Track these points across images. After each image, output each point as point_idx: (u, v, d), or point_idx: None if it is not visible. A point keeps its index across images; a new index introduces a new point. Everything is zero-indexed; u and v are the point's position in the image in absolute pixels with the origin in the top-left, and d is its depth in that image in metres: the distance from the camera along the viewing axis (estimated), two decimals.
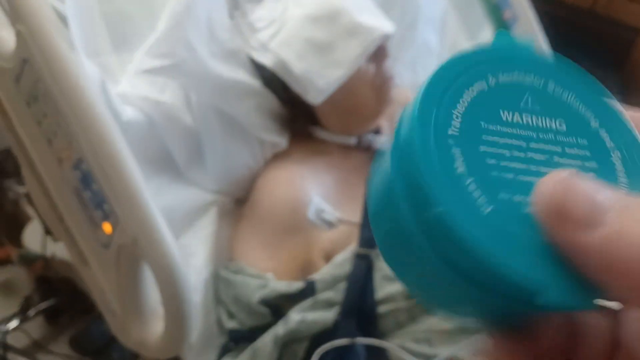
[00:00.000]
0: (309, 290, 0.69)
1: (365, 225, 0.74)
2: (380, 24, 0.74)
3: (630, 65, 1.68)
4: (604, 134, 0.18)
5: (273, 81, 0.75)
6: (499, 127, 0.17)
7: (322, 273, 0.70)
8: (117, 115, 0.63)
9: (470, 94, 0.17)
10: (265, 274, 0.70)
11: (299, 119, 0.79)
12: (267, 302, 0.68)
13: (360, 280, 0.69)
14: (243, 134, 0.76)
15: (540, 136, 0.17)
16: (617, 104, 0.19)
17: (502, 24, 1.09)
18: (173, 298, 0.57)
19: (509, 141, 0.17)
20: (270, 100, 0.77)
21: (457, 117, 0.16)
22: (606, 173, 0.17)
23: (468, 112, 0.17)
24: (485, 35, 1.09)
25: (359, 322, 0.68)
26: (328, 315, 0.67)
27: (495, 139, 0.16)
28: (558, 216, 0.14)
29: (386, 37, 0.75)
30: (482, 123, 0.17)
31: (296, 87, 0.73)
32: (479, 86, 0.17)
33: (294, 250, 0.72)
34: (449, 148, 0.16)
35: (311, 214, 0.73)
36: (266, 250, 0.72)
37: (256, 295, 0.67)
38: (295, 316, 0.66)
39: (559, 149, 0.17)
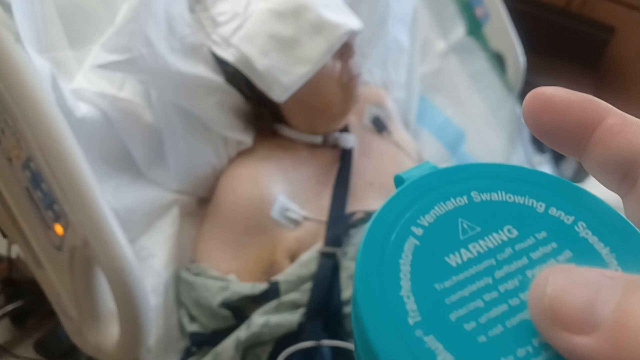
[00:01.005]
0: (272, 292, 0.67)
1: (332, 223, 0.73)
2: (347, 20, 0.73)
3: (604, 64, 1.69)
4: (556, 213, 0.16)
5: (236, 77, 0.73)
6: (452, 278, 0.14)
7: (287, 273, 0.68)
8: (70, 113, 0.60)
9: (409, 245, 0.15)
10: (227, 275, 0.68)
11: (264, 116, 0.78)
12: (229, 305, 0.66)
13: (326, 280, 0.68)
14: (206, 132, 0.74)
15: (499, 258, 0.15)
16: (548, 176, 0.17)
17: (474, 22, 1.09)
18: (127, 302, 0.55)
19: (471, 287, 0.14)
20: (234, 97, 0.75)
21: (404, 276, 0.14)
22: (586, 255, 0.15)
23: (414, 269, 0.14)
24: (458, 32, 1.09)
25: (324, 324, 0.66)
26: (293, 318, 0.65)
27: (455, 295, 0.14)
28: (552, 322, 0.12)
29: (353, 34, 0.74)
30: (433, 282, 0.14)
31: (260, 84, 0.71)
32: (412, 241, 0.15)
33: (258, 251, 0.70)
34: (402, 305, 0.14)
35: (275, 212, 0.71)
36: (229, 250, 0.71)
37: (218, 298, 0.66)
38: (259, 319, 0.65)
39: (525, 261, 0.15)
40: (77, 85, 0.65)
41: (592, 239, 0.15)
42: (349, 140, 0.80)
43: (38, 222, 0.61)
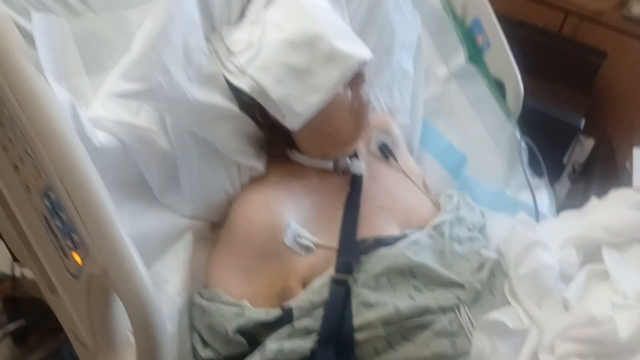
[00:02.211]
0: (286, 318, 0.68)
1: (342, 249, 0.74)
2: (359, 50, 0.75)
3: (597, 87, 1.74)
4: None
5: (250, 105, 0.74)
6: None
7: (299, 300, 0.69)
8: (88, 141, 0.61)
9: None
10: (240, 301, 0.69)
11: (276, 142, 0.79)
12: (243, 331, 0.67)
13: (337, 307, 0.69)
14: (220, 158, 0.75)
15: None
16: None
17: (475, 49, 1.12)
18: (146, 332, 0.55)
19: None
20: (248, 124, 0.76)
21: None
22: None
23: None
24: (459, 59, 1.12)
25: (336, 350, 0.67)
26: (306, 344, 0.66)
27: None
28: None
29: (364, 64, 0.76)
30: None
31: (274, 112, 0.73)
32: None
33: (271, 277, 0.71)
34: None
35: (288, 239, 0.72)
36: (242, 276, 0.71)
37: (232, 324, 0.66)
38: (273, 345, 0.65)
39: None
40: (95, 113, 0.66)
41: None
42: (359, 166, 0.82)
43: (55, 250, 0.61)
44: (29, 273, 1.02)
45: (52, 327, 1.09)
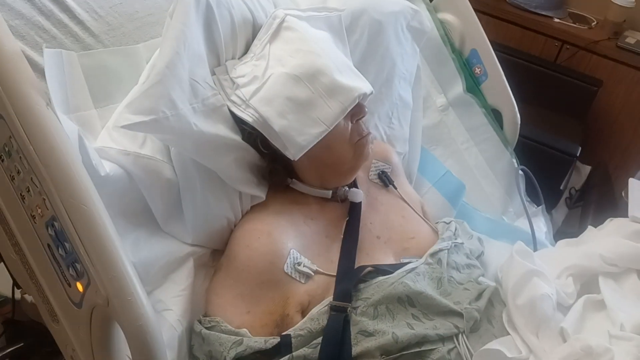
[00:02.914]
0: (284, 346, 0.68)
1: (341, 277, 0.75)
2: (359, 84, 0.77)
3: (592, 114, 1.77)
4: None
5: (252, 136, 0.76)
6: None
7: (298, 328, 0.70)
8: (94, 171, 0.62)
9: None
10: (240, 330, 0.69)
11: (277, 171, 0.81)
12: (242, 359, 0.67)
13: (336, 335, 0.69)
14: (222, 187, 0.76)
15: None
16: None
17: (473, 79, 1.14)
18: None
19: None
20: (250, 154, 0.78)
21: None
22: None
23: None
24: (457, 89, 1.14)
25: None
26: None
27: None
28: None
29: (364, 97, 0.78)
30: None
31: (276, 143, 0.74)
32: None
33: (270, 304, 0.72)
34: None
35: (288, 266, 0.73)
36: (242, 304, 0.72)
37: (231, 353, 0.67)
38: None
39: None
40: (101, 144, 0.68)
41: None
42: (357, 195, 0.83)
43: (58, 278, 0.62)
44: (29, 296, 1.01)
45: (50, 351, 1.08)
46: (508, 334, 0.75)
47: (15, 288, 1.01)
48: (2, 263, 1.10)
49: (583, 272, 0.83)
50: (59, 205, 0.56)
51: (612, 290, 0.80)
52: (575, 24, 1.88)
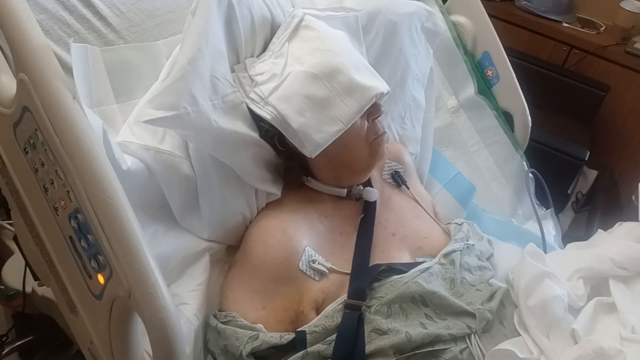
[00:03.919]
0: (299, 342, 0.69)
1: (355, 275, 0.76)
2: (376, 83, 0.78)
3: (600, 119, 1.78)
4: None
5: (270, 133, 0.77)
6: None
7: (312, 324, 0.70)
8: (117, 165, 0.63)
9: None
10: (256, 324, 0.70)
11: (293, 169, 0.81)
12: (256, 355, 0.68)
13: (350, 333, 0.70)
14: (239, 183, 0.77)
15: None
16: None
17: (484, 82, 1.15)
18: (165, 355, 0.56)
19: None
20: (267, 151, 0.79)
21: None
22: None
23: None
24: (468, 91, 1.15)
25: None
26: None
27: None
28: None
29: (381, 96, 0.78)
30: None
31: (293, 140, 0.75)
32: None
33: (285, 300, 0.73)
34: None
35: (302, 263, 0.74)
36: (258, 299, 0.73)
37: (247, 348, 0.67)
38: None
39: None
40: (123, 138, 0.68)
41: None
42: (372, 194, 0.84)
43: (78, 270, 0.63)
44: (40, 290, 1.02)
45: (59, 344, 1.09)
46: (519, 334, 0.76)
47: (25, 281, 1.02)
48: (13, 257, 1.11)
49: (593, 275, 0.84)
50: (83, 197, 0.57)
51: (622, 294, 0.81)
52: (583, 28, 1.89)
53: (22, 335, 1.09)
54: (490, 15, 1.16)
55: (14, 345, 1.08)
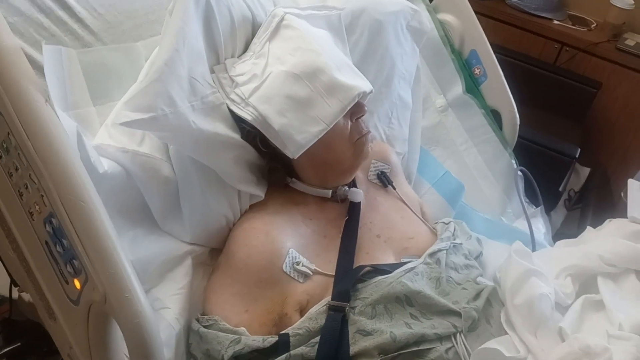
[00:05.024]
0: (282, 345, 0.68)
1: (339, 277, 0.75)
2: (359, 82, 0.77)
3: (592, 116, 1.77)
4: None
5: (252, 134, 0.76)
6: None
7: (296, 327, 0.70)
8: (93, 169, 0.62)
9: None
10: (238, 328, 0.69)
11: (276, 170, 0.80)
12: (239, 358, 0.67)
13: (334, 334, 0.69)
14: (221, 185, 0.76)
15: None
16: None
17: (472, 80, 1.14)
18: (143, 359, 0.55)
19: None
20: (249, 152, 0.78)
21: None
22: None
23: None
24: (456, 90, 1.14)
25: None
26: None
27: None
28: None
29: (364, 95, 0.78)
30: None
31: (275, 141, 0.74)
32: None
33: (269, 303, 0.72)
34: None
35: (286, 266, 0.73)
36: (241, 302, 0.72)
37: (228, 351, 0.67)
38: None
39: None
40: (100, 141, 0.68)
41: None
42: (357, 195, 0.83)
43: (55, 275, 0.62)
44: (26, 296, 1.01)
45: (47, 350, 1.08)
46: (506, 333, 0.75)
47: (12, 287, 1.01)
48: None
49: (582, 272, 0.83)
50: (57, 201, 0.56)
51: (610, 291, 0.80)
52: (574, 26, 1.89)
53: (9, 342, 1.08)
54: (481, 14, 1.16)
55: (2, 352, 1.07)
